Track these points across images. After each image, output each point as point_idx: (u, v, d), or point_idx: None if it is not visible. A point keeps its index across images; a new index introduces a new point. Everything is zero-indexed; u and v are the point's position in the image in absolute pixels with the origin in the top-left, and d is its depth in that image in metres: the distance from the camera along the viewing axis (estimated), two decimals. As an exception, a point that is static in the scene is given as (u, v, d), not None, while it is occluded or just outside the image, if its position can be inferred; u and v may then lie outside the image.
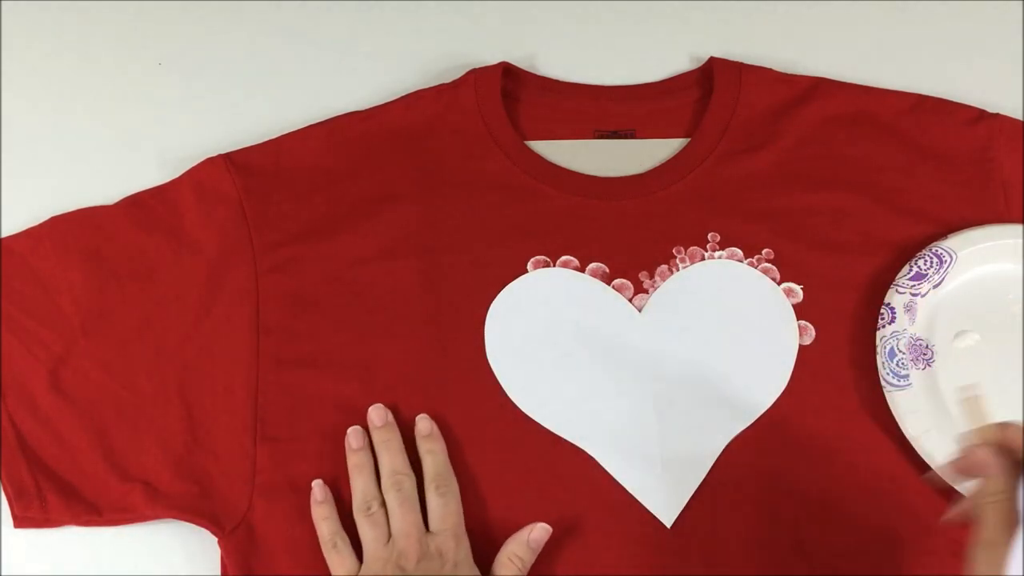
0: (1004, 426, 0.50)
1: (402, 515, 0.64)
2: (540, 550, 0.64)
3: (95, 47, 0.83)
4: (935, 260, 0.70)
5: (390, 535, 0.64)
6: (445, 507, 0.65)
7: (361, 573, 0.64)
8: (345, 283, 0.71)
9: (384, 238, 0.72)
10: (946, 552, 0.66)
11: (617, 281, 0.71)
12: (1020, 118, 0.76)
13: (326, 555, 0.65)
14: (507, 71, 0.77)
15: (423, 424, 0.67)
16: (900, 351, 0.68)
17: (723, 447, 0.67)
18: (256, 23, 0.84)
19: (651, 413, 0.68)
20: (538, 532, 0.64)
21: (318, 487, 0.66)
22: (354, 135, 0.75)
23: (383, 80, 0.80)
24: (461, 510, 0.65)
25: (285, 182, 0.74)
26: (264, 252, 0.72)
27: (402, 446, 0.67)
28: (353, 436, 0.67)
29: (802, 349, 0.70)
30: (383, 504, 0.65)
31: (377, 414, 0.67)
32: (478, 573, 0.63)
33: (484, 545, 0.65)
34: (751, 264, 0.71)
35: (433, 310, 0.71)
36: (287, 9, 0.84)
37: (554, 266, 0.72)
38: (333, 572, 0.64)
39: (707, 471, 0.67)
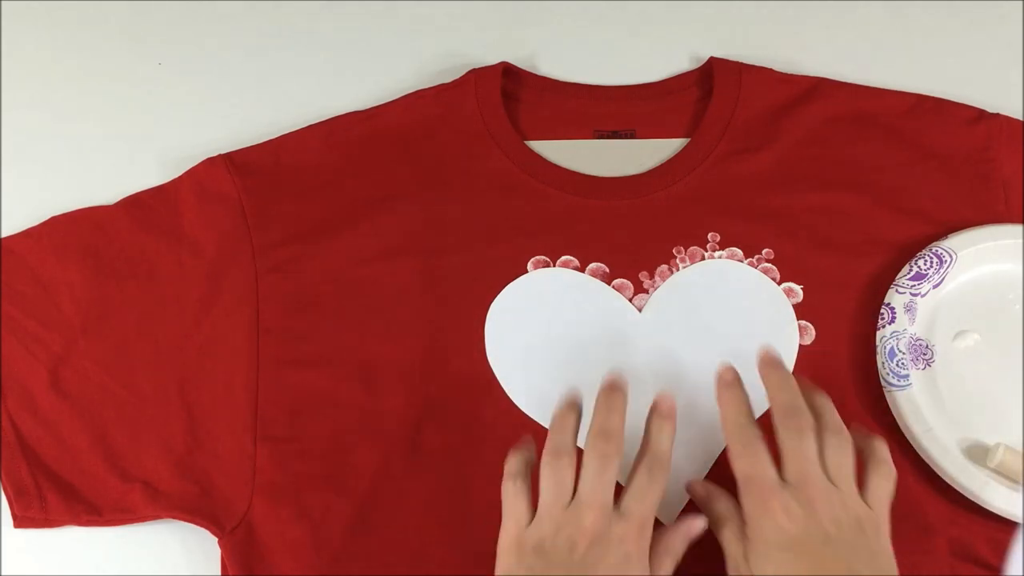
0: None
1: (596, 482, 0.57)
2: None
3: (95, 47, 0.83)
4: (935, 260, 0.70)
5: (572, 498, 0.57)
6: (650, 489, 0.58)
7: (531, 527, 0.57)
8: (345, 283, 0.71)
9: (384, 238, 0.72)
10: (946, 552, 0.66)
11: (617, 281, 0.71)
12: (1020, 118, 0.76)
13: (504, 491, 0.59)
14: (507, 71, 0.77)
15: (665, 403, 0.61)
16: (900, 351, 0.68)
17: (723, 447, 0.67)
18: (256, 23, 0.84)
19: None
20: (697, 527, 0.60)
21: (527, 438, 0.61)
22: (354, 135, 0.75)
23: (383, 80, 0.80)
24: (657, 506, 0.59)
25: (285, 182, 0.74)
26: (264, 252, 0.72)
27: (625, 416, 0.60)
28: (571, 396, 0.61)
29: (802, 349, 0.70)
30: (575, 461, 0.58)
31: (617, 378, 0.61)
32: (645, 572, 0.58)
33: (484, 545, 0.64)
34: (751, 264, 0.71)
35: (433, 310, 0.71)
36: (287, 9, 0.84)
37: (554, 266, 0.72)
38: (503, 512, 0.59)
39: (707, 471, 0.67)
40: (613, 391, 0.60)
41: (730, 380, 0.61)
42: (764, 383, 0.61)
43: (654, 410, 0.61)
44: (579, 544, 0.56)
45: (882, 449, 0.60)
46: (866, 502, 0.58)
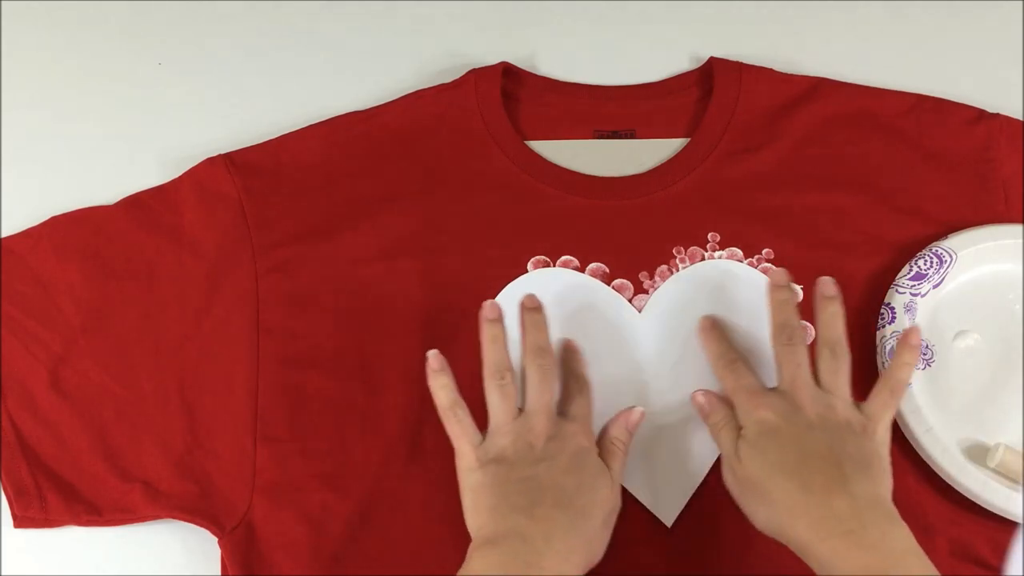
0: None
1: (540, 391, 0.63)
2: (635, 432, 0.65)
3: (95, 47, 0.83)
4: (935, 260, 0.70)
5: (520, 410, 0.63)
6: (583, 395, 0.65)
7: (486, 443, 0.62)
8: (345, 283, 0.71)
9: (384, 238, 0.72)
10: (946, 552, 0.66)
11: (617, 281, 0.71)
12: (1020, 118, 0.76)
13: (445, 424, 0.63)
14: (507, 71, 0.77)
15: (531, 302, 0.66)
16: (900, 351, 0.68)
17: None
18: (256, 23, 0.84)
19: (651, 413, 0.68)
20: (635, 415, 0.65)
21: (434, 356, 0.64)
22: (354, 135, 0.75)
23: (383, 80, 0.80)
24: (592, 410, 0.65)
25: (285, 182, 0.74)
26: (264, 252, 0.72)
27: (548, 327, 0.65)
28: (489, 308, 0.65)
29: (802, 349, 0.70)
30: (514, 376, 0.63)
31: (532, 299, 0.66)
32: (601, 463, 0.62)
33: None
34: (751, 264, 0.71)
35: (433, 310, 0.70)
36: (287, 9, 0.84)
37: (554, 266, 0.72)
38: (454, 442, 0.63)
39: (707, 471, 0.67)
40: (533, 310, 0.65)
41: (708, 326, 0.68)
42: (769, 301, 0.65)
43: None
44: (536, 444, 0.61)
45: (900, 371, 0.62)
46: (863, 412, 0.61)
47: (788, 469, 0.58)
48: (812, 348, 0.69)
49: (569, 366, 0.67)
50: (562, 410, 0.64)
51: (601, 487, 0.61)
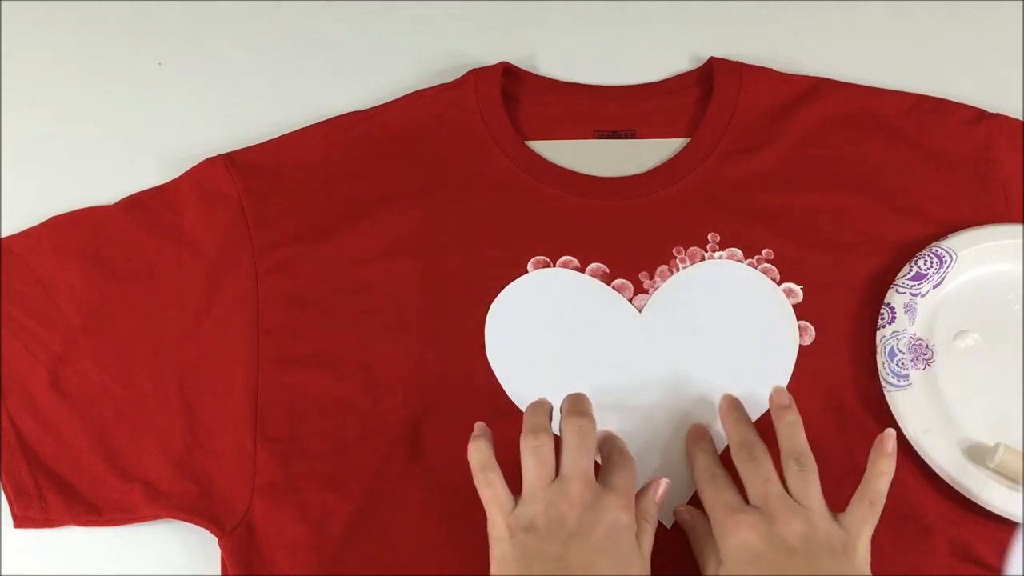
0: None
1: (577, 454, 0.59)
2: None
3: (95, 47, 0.83)
4: (935, 260, 0.70)
5: (556, 475, 0.59)
6: (626, 464, 0.61)
7: (517, 510, 0.59)
8: (345, 283, 0.71)
9: (384, 238, 0.72)
10: (946, 552, 0.66)
11: (617, 281, 0.71)
12: (1020, 118, 0.76)
13: (478, 488, 0.60)
14: (507, 71, 0.77)
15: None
16: (900, 351, 0.68)
17: (723, 447, 0.67)
18: (256, 23, 0.84)
19: (651, 413, 0.68)
20: (663, 488, 0.63)
21: (479, 426, 0.63)
22: (354, 135, 0.75)
23: (383, 80, 0.80)
24: (635, 486, 0.61)
25: (285, 182, 0.74)
26: (264, 252, 0.72)
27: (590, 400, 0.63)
28: (538, 403, 0.63)
29: (802, 349, 0.70)
30: (552, 440, 0.60)
31: (579, 398, 0.63)
32: (635, 543, 0.59)
33: (484, 545, 0.64)
34: (751, 264, 0.71)
35: (433, 310, 0.71)
36: (287, 9, 0.84)
37: (554, 266, 0.72)
38: (485, 507, 0.60)
39: (707, 471, 0.67)
40: (579, 395, 0.63)
41: (697, 435, 0.66)
42: (723, 421, 0.64)
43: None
44: (569, 515, 0.57)
45: (877, 482, 0.60)
46: (841, 525, 0.59)
47: None
48: (813, 348, 0.69)
49: (612, 442, 0.64)
50: (604, 481, 0.60)
51: (633, 568, 0.58)
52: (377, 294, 0.71)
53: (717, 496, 0.61)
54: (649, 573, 0.59)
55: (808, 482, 0.60)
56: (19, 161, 0.79)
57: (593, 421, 0.61)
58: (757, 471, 0.60)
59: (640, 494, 0.62)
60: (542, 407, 0.63)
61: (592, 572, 0.56)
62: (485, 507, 0.60)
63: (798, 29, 0.83)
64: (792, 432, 0.62)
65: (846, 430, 0.68)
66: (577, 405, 0.62)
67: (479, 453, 0.61)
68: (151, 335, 0.71)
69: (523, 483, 0.60)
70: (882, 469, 0.60)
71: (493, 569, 0.59)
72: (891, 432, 0.62)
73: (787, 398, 0.63)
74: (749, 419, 0.64)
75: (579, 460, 0.59)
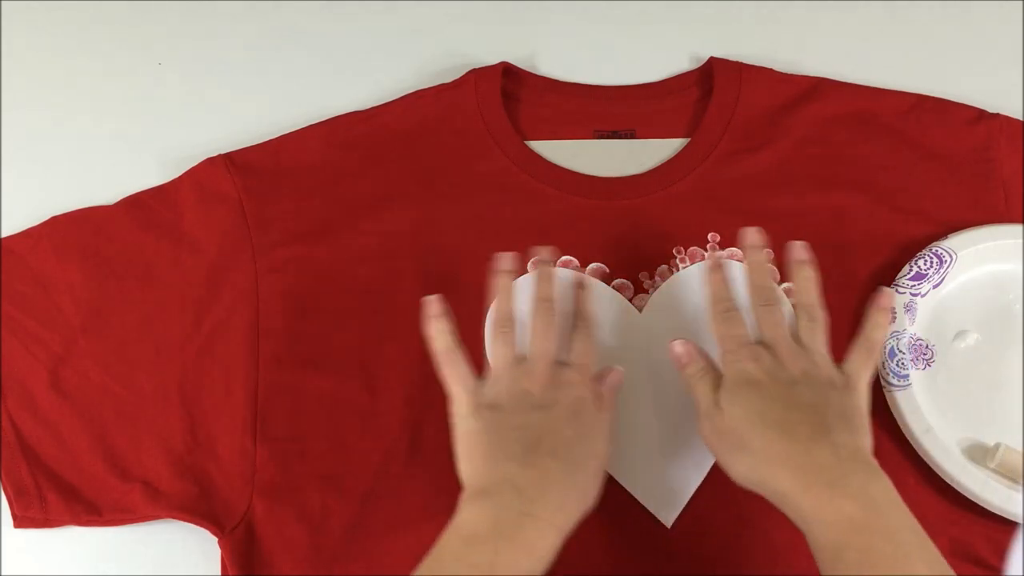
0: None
1: (542, 338, 0.62)
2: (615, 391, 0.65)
3: (95, 47, 0.83)
4: (935, 260, 0.70)
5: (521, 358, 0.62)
6: (585, 344, 0.64)
7: (482, 389, 0.61)
8: (345, 283, 0.71)
9: (384, 238, 0.72)
10: (946, 552, 0.65)
11: (617, 281, 0.71)
12: (1020, 118, 0.76)
13: (442, 368, 0.63)
14: (507, 71, 0.77)
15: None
16: (900, 351, 0.68)
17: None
18: (256, 23, 0.84)
19: (651, 413, 0.68)
20: (615, 377, 0.65)
21: (434, 302, 0.64)
22: (354, 135, 0.75)
23: (383, 80, 0.80)
24: (596, 358, 0.64)
25: (285, 182, 0.74)
26: (264, 252, 0.72)
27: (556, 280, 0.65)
28: (504, 259, 0.66)
29: (802, 349, 0.69)
30: (515, 328, 0.63)
31: (545, 250, 0.66)
32: (598, 414, 0.61)
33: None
34: (751, 264, 0.71)
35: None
36: (287, 9, 0.84)
37: (554, 266, 0.72)
38: (449, 387, 0.62)
39: (707, 471, 0.67)
40: (542, 263, 0.65)
41: (713, 266, 0.66)
42: (745, 265, 0.66)
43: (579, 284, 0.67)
44: (533, 390, 0.61)
45: (874, 332, 0.63)
46: (842, 371, 0.61)
47: (771, 419, 0.58)
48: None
49: (576, 305, 0.66)
50: (564, 357, 0.63)
51: (597, 437, 0.61)
52: (377, 294, 0.71)
53: (730, 329, 0.63)
54: (609, 442, 0.61)
55: (815, 332, 0.62)
56: (19, 161, 0.79)
57: (556, 307, 0.64)
58: (770, 315, 0.63)
59: (600, 376, 0.64)
60: (506, 290, 0.65)
61: (559, 437, 0.59)
62: (449, 387, 0.62)
63: (798, 29, 0.83)
64: (807, 287, 0.64)
65: (846, 430, 0.67)
66: (544, 291, 0.64)
67: (443, 336, 0.63)
68: (151, 335, 0.71)
69: (492, 365, 0.63)
70: (879, 321, 0.63)
71: (458, 446, 0.61)
72: (887, 289, 0.65)
73: (806, 253, 0.65)
74: (768, 267, 0.65)
75: (543, 343, 0.62)
